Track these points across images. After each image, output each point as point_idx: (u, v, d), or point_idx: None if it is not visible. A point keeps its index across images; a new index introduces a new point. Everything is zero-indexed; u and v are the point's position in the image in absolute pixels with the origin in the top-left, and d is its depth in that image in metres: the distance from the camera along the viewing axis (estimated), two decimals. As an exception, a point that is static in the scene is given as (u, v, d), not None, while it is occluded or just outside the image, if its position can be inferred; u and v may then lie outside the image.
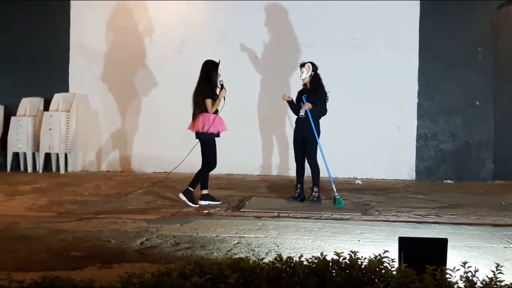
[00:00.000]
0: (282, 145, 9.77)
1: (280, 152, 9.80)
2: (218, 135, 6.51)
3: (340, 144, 8.97)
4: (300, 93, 6.84)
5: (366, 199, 7.22)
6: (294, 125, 7.10)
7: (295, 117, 9.37)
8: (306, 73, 6.69)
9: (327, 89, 6.73)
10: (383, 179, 9.50)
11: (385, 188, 8.35)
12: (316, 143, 6.68)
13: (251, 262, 2.86)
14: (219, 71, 6.43)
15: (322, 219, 5.68)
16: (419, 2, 9.60)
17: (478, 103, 9.57)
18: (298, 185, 6.81)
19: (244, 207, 6.37)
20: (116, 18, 10.09)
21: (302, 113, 6.73)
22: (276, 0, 9.84)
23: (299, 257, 2.94)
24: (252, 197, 7.16)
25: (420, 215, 5.99)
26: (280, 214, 5.89)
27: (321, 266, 2.73)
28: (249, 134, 9.81)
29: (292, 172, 9.00)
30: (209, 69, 6.43)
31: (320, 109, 6.67)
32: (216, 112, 6.43)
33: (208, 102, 6.32)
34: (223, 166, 9.69)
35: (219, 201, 6.54)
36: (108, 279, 3.15)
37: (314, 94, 6.64)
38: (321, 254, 2.97)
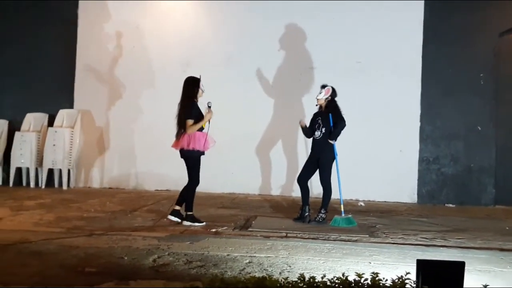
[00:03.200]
0: (285, 166, 9.81)
1: (283, 172, 9.82)
2: (203, 153, 6.45)
3: (343, 166, 9.00)
4: (315, 116, 6.93)
5: (371, 221, 7.26)
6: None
7: (296, 138, 9.57)
8: (324, 95, 6.77)
9: (343, 112, 6.83)
10: (385, 201, 9.54)
11: (388, 211, 8.39)
12: (331, 164, 6.75)
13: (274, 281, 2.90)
14: (201, 87, 6.39)
15: (331, 240, 5.71)
16: (422, 28, 9.75)
17: (479, 128, 9.67)
18: (306, 206, 6.82)
19: (251, 227, 6.38)
20: (123, 37, 10.18)
21: (317, 134, 6.79)
22: (280, 22, 9.96)
23: (322, 278, 2.97)
24: (258, 217, 7.17)
25: (426, 238, 6.03)
26: (288, 235, 5.92)
27: (345, 286, 2.76)
28: (252, 154, 9.86)
29: (295, 193, 9.07)
30: (190, 87, 6.40)
31: (338, 129, 6.75)
32: (201, 129, 6.40)
33: (189, 122, 6.27)
34: (226, 185, 9.83)
35: (203, 222, 6.37)
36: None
37: (327, 117, 6.73)
38: (343, 274, 3.02)
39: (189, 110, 6.31)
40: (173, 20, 10.15)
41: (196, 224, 6.33)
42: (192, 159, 6.39)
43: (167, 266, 4.36)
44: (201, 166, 6.52)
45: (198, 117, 6.34)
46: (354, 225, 6.64)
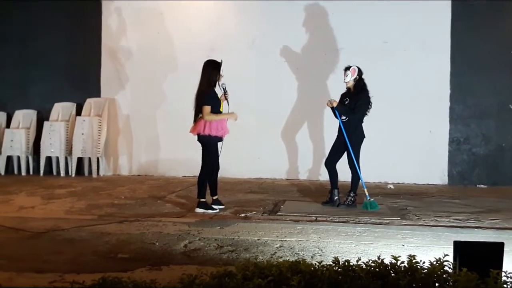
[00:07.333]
0: (312, 150, 9.72)
1: (310, 156, 9.75)
2: (220, 139, 6.31)
3: (372, 149, 8.89)
4: (343, 96, 6.81)
5: (401, 203, 7.15)
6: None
7: (323, 122, 9.47)
8: (351, 76, 6.63)
9: (371, 94, 6.70)
10: (415, 183, 9.39)
11: (419, 193, 8.26)
12: (359, 147, 6.66)
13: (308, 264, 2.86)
14: (221, 72, 6.18)
15: (361, 223, 5.65)
16: (451, 4, 9.49)
17: (511, 107, 9.43)
18: (335, 190, 6.74)
19: (280, 211, 6.35)
20: (147, 24, 10.17)
21: (343, 117, 6.68)
22: (304, 2, 9.80)
23: (357, 261, 2.92)
24: (286, 201, 7.13)
25: (460, 220, 5.91)
26: (318, 218, 5.87)
27: (382, 269, 2.71)
28: (278, 139, 9.80)
29: (323, 177, 9.02)
30: (210, 71, 6.18)
31: (352, 113, 6.60)
32: (220, 113, 6.23)
33: (206, 108, 6.08)
34: (253, 170, 9.81)
35: (215, 210, 6.23)
36: (162, 280, 3.16)
37: (355, 98, 6.61)
38: (378, 257, 2.96)
39: (208, 96, 6.14)
40: (196, 5, 10.08)
41: (210, 211, 6.16)
42: (207, 144, 6.23)
43: (198, 251, 4.37)
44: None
45: (216, 104, 6.18)
46: (376, 209, 6.50)
